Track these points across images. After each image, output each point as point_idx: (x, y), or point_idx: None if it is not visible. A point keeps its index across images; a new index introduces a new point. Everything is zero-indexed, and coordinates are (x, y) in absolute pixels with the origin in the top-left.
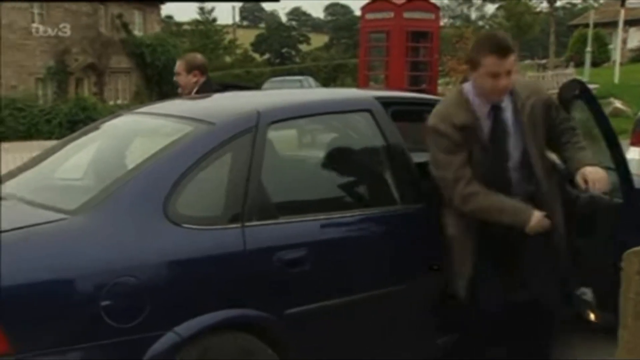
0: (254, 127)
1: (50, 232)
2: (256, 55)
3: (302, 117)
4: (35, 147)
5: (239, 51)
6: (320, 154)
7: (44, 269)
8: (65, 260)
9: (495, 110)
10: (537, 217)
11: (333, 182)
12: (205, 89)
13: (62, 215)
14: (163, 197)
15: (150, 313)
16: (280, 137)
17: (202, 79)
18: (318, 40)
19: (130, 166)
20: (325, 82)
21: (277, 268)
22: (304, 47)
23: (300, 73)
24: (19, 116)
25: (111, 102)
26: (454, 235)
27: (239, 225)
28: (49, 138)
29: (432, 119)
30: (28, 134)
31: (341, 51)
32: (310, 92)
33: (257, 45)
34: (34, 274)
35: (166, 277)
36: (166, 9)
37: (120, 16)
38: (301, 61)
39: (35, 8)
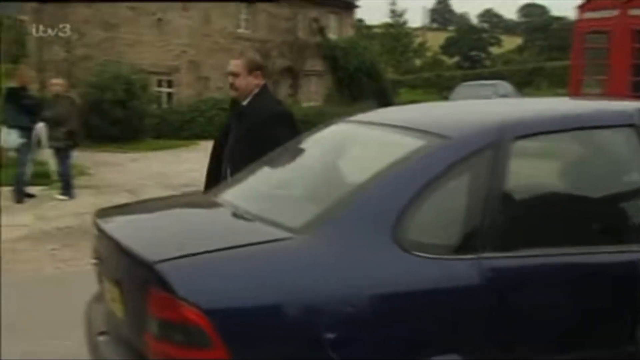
0: (496, 143)
1: (275, 251)
2: (445, 58)
3: (551, 132)
4: None
5: (428, 54)
6: (571, 176)
7: (268, 289)
8: (289, 283)
9: None
10: None
11: (584, 210)
12: (266, 96)
13: (286, 234)
14: (392, 220)
15: (375, 349)
16: (525, 155)
17: (262, 83)
18: (510, 42)
19: (353, 182)
20: (520, 87)
21: (518, 310)
22: (494, 50)
23: (493, 77)
24: (224, 116)
25: (304, 104)
26: None
27: (474, 256)
28: None
29: None
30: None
31: (534, 54)
32: (557, 102)
33: (446, 48)
34: (258, 295)
35: (392, 311)
36: (358, 12)
37: (316, 20)
38: (492, 64)
39: (242, 14)
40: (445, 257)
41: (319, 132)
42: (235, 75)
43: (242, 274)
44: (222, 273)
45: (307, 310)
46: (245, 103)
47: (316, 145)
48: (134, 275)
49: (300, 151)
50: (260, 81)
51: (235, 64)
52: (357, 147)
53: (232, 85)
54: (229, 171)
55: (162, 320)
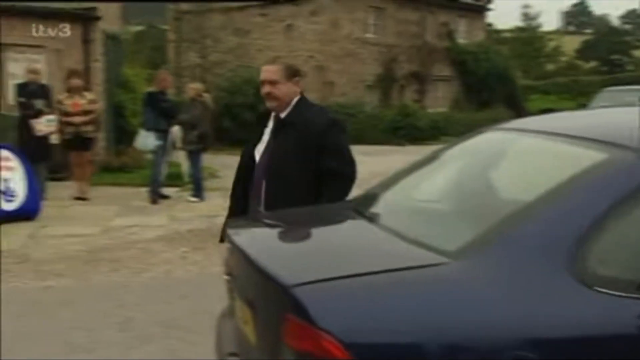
0: None
1: (427, 279)
2: (580, 63)
3: None
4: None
5: (563, 58)
6: None
7: (418, 325)
8: (442, 318)
9: None
10: None
11: None
12: (309, 104)
13: (440, 259)
14: (569, 248)
15: None
16: None
17: (301, 90)
18: None
19: (517, 200)
20: None
21: None
22: (638, 54)
23: (636, 82)
24: (350, 121)
25: (430, 110)
26: None
27: None
28: (375, 143)
29: None
30: (355, 139)
31: None
32: None
33: (582, 52)
34: (407, 330)
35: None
36: (489, 17)
37: (446, 24)
38: (635, 69)
39: (370, 19)
40: None
41: (468, 141)
42: (272, 83)
43: (388, 304)
44: (366, 302)
45: (463, 351)
46: (284, 114)
47: (466, 155)
48: (268, 298)
49: (447, 161)
50: (299, 88)
51: (271, 71)
52: (516, 158)
53: (269, 95)
54: (263, 191)
55: (298, 350)
